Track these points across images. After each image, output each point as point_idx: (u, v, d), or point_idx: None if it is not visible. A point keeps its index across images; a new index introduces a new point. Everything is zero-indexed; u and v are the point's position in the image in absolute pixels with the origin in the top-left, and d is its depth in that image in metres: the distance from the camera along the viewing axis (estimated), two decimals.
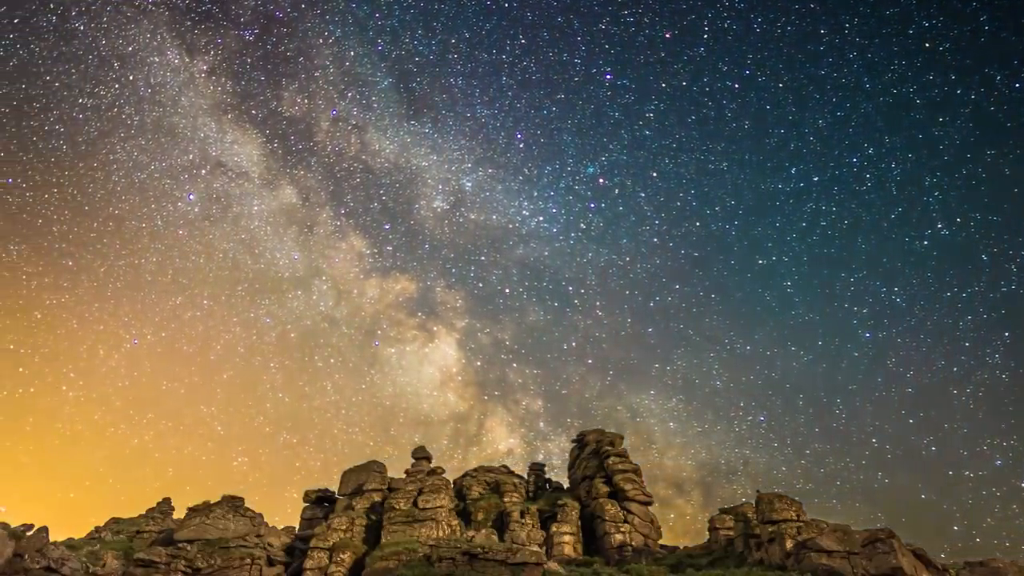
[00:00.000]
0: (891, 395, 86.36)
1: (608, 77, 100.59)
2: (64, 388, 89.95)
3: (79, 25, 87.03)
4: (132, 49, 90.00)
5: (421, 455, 40.37)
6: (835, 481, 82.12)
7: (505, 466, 44.59)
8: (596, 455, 40.77)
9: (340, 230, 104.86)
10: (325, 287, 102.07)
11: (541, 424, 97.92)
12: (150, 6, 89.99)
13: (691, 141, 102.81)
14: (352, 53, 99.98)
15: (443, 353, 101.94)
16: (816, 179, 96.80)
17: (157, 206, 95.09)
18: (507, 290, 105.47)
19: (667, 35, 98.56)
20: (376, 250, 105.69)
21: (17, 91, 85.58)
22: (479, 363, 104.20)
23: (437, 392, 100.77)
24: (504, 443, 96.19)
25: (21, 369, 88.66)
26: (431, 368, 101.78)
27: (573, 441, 45.82)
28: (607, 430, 43.57)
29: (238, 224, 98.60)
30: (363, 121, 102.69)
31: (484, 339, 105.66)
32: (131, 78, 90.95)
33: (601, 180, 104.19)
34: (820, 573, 21.97)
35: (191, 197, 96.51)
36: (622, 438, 42.22)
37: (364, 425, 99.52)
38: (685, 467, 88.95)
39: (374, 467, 40.13)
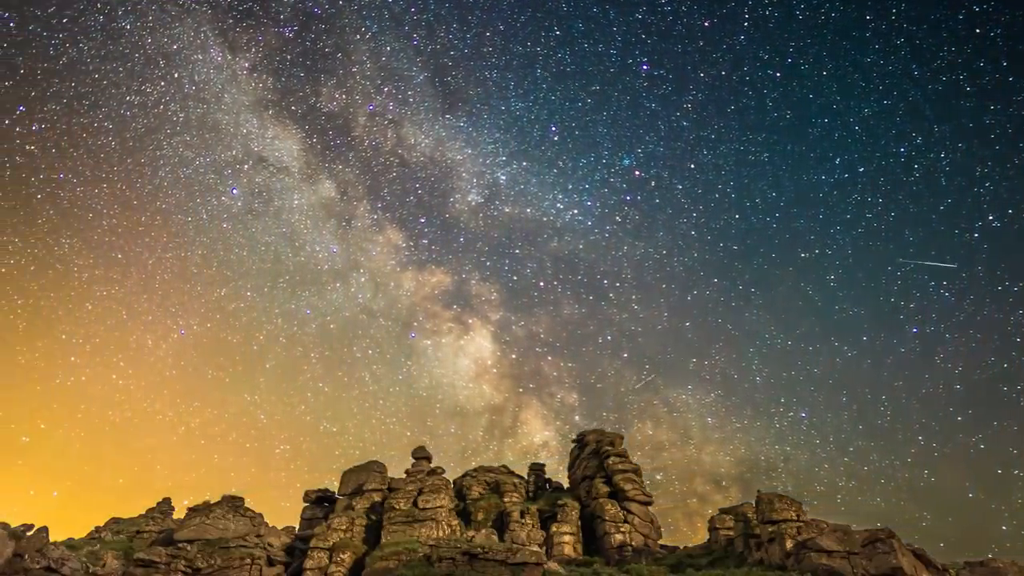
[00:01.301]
0: (939, 392, 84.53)
1: (644, 68, 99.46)
2: (114, 377, 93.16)
3: (125, 24, 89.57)
4: (177, 47, 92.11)
5: (421, 455, 40.37)
6: (879, 479, 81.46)
7: (505, 466, 44.60)
8: (596, 455, 40.76)
9: (377, 223, 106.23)
10: (363, 279, 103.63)
11: (576, 418, 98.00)
12: (193, 5, 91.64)
13: (730, 132, 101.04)
14: (388, 48, 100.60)
15: (478, 345, 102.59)
16: (862, 170, 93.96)
17: (202, 200, 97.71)
18: (542, 283, 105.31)
19: (705, 24, 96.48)
20: (412, 243, 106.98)
21: (67, 89, 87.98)
22: (514, 356, 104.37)
23: (472, 384, 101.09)
24: (539, 436, 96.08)
25: (73, 359, 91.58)
26: (466, 360, 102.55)
27: (573, 441, 45.84)
28: (607, 430, 43.61)
29: (279, 218, 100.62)
30: (399, 116, 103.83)
31: (519, 332, 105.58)
32: (176, 76, 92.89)
33: (637, 172, 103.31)
34: (820, 573, 21.97)
35: (234, 191, 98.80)
36: (622, 438, 42.23)
37: (401, 415, 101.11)
38: (723, 463, 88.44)
39: (374, 467, 40.13)
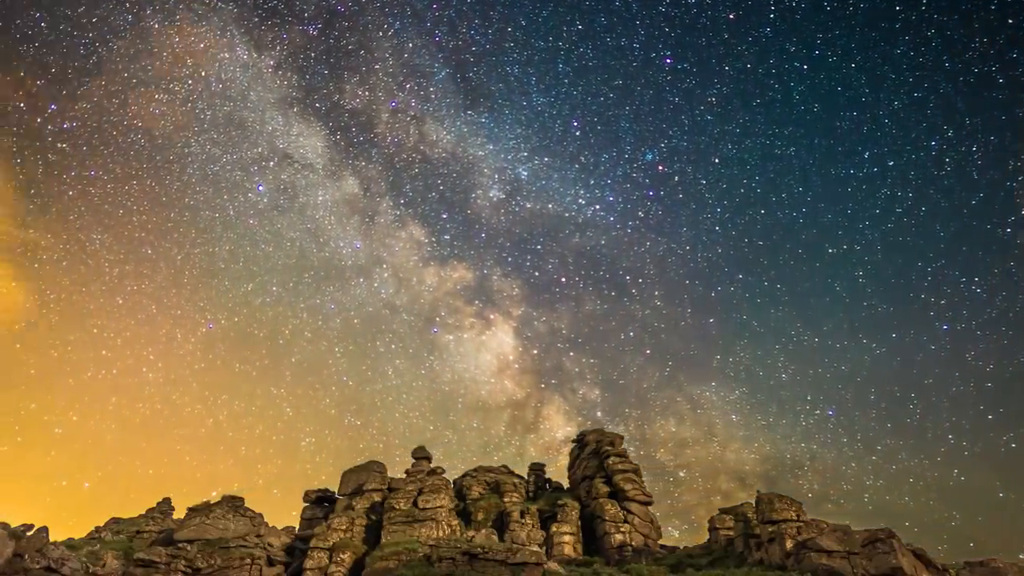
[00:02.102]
0: (969, 390, 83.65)
1: (668, 61, 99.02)
2: (144, 370, 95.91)
3: (153, 23, 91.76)
4: (203, 46, 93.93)
5: (421, 455, 40.36)
6: (907, 478, 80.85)
7: (505, 466, 44.59)
8: (596, 455, 40.76)
9: (400, 219, 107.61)
10: (386, 275, 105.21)
11: (598, 413, 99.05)
12: (219, 4, 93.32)
13: (756, 125, 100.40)
14: (410, 45, 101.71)
15: (500, 341, 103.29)
16: (891, 163, 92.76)
17: (229, 197, 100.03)
18: (563, 279, 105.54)
19: (730, 16, 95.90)
20: (434, 239, 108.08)
21: (98, 87, 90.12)
22: (536, 351, 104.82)
23: (494, 379, 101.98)
24: (561, 431, 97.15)
25: (105, 352, 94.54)
26: (488, 355, 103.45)
27: (573, 441, 45.84)
28: (606, 430, 43.61)
29: (304, 214, 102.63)
30: (421, 112, 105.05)
31: (541, 327, 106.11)
32: (203, 74, 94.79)
33: (660, 167, 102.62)
34: (820, 573, 21.97)
35: (260, 188, 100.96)
36: (622, 438, 42.23)
37: (424, 410, 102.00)
38: (748, 460, 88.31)
39: (374, 467, 40.11)
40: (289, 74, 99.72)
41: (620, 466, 38.51)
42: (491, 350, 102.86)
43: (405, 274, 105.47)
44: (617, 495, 36.89)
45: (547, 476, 45.43)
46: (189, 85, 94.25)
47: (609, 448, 40.39)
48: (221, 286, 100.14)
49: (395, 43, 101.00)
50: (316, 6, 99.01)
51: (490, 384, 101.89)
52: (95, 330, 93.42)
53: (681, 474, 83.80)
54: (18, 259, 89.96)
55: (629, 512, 35.66)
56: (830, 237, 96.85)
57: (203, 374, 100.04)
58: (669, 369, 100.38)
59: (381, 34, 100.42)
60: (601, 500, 36.56)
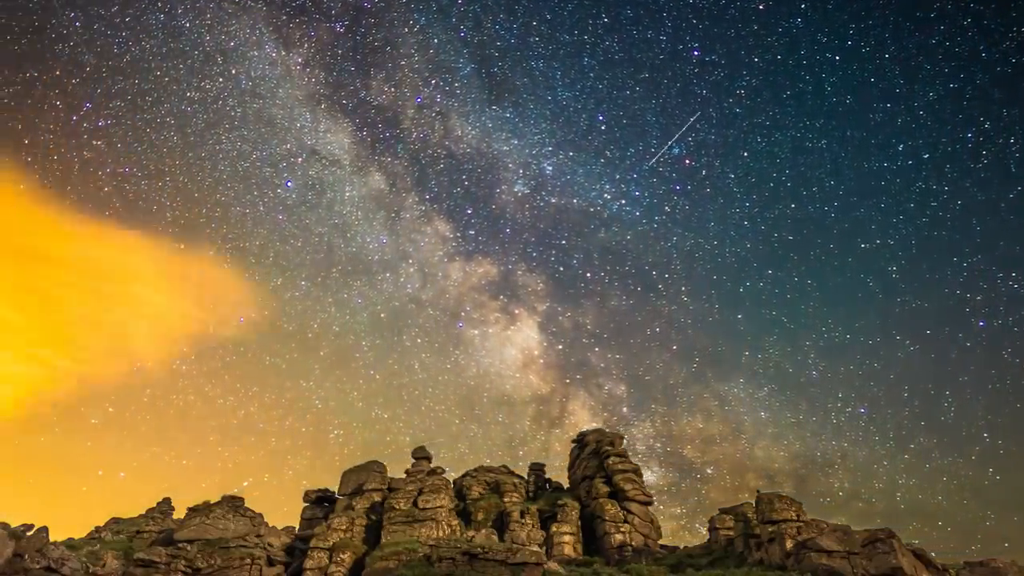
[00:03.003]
0: (1006, 387, 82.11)
1: (696, 53, 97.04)
2: (178, 362, 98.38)
3: (185, 22, 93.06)
4: (233, 44, 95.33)
5: (421, 455, 40.37)
6: (941, 477, 79.90)
7: (505, 466, 44.60)
8: (596, 455, 40.77)
9: (425, 215, 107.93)
10: (412, 270, 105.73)
11: (624, 409, 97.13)
12: (249, 2, 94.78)
13: (786, 118, 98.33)
14: (436, 40, 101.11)
15: (525, 336, 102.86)
16: (926, 156, 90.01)
17: (259, 193, 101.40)
18: (588, 274, 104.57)
19: (760, 7, 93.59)
20: (459, 234, 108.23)
21: (131, 86, 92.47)
22: (561, 346, 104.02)
23: (519, 374, 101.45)
24: (587, 427, 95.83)
25: (138, 344, 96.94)
26: (513, 350, 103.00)
27: (573, 441, 45.83)
28: (606, 429, 43.62)
29: (331, 209, 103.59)
30: (446, 108, 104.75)
31: (565, 323, 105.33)
32: (233, 72, 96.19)
33: (687, 161, 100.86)
34: (820, 573, 21.97)
35: (289, 184, 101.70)
36: (622, 438, 42.24)
37: (450, 403, 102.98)
38: (777, 458, 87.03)
39: (374, 467, 40.11)
40: (317, 71, 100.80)
41: (620, 466, 38.51)
42: (516, 345, 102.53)
43: (430, 269, 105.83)
44: (617, 495, 36.90)
45: (547, 476, 45.46)
46: (220, 83, 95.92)
47: (609, 448, 40.40)
48: (252, 280, 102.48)
49: (420, 39, 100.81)
50: (343, 3, 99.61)
51: (515, 379, 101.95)
52: (130, 323, 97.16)
53: (709, 471, 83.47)
54: None
55: (629, 512, 35.67)
56: (863, 232, 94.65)
57: (234, 366, 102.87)
58: (696, 365, 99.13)
59: (406, 30, 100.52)
60: (601, 500, 36.56)
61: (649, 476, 79.16)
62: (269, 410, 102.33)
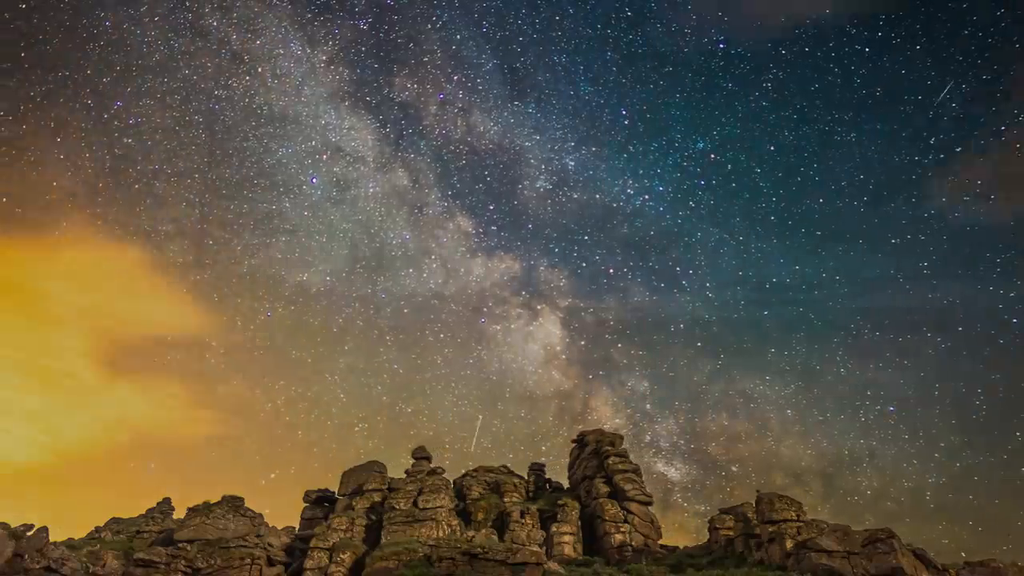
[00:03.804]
0: None
1: (721, 46, 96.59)
2: (207, 356, 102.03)
3: (212, 21, 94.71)
4: (260, 43, 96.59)
5: (421, 455, 40.35)
6: (972, 476, 78.77)
7: (505, 466, 44.59)
8: (596, 455, 40.75)
9: (448, 211, 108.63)
10: (434, 265, 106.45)
11: (648, 406, 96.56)
12: (275, 1, 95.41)
13: (814, 111, 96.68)
14: (458, 36, 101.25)
15: (547, 331, 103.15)
16: (958, 150, 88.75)
17: (285, 189, 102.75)
18: (611, 270, 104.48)
19: None
20: (481, 230, 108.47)
21: (160, 84, 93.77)
22: (583, 342, 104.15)
23: (541, 369, 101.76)
24: (610, 423, 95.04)
25: (169, 337, 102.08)
26: (535, 345, 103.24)
27: (573, 441, 45.81)
28: (605, 430, 43.61)
29: (355, 205, 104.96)
30: (468, 104, 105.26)
31: (588, 319, 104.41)
32: (259, 70, 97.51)
33: (712, 156, 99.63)
34: (820, 573, 21.97)
35: (314, 180, 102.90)
36: (622, 438, 42.23)
37: (472, 399, 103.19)
38: (804, 456, 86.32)
39: (374, 467, 40.11)
40: (341, 68, 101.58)
41: (620, 466, 38.49)
42: (538, 340, 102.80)
43: (453, 264, 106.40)
44: (617, 495, 36.88)
45: (547, 476, 45.45)
46: (247, 81, 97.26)
47: (609, 448, 40.38)
48: (278, 276, 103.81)
49: (443, 35, 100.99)
50: (367, 0, 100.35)
51: (537, 374, 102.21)
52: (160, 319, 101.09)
53: (734, 468, 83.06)
54: None
55: (629, 512, 35.65)
56: (893, 227, 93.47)
57: (261, 360, 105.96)
58: (721, 362, 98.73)
59: (429, 26, 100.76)
60: (601, 500, 36.55)
61: (673, 473, 78.68)
62: (295, 403, 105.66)
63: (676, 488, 77.69)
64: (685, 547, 35.19)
